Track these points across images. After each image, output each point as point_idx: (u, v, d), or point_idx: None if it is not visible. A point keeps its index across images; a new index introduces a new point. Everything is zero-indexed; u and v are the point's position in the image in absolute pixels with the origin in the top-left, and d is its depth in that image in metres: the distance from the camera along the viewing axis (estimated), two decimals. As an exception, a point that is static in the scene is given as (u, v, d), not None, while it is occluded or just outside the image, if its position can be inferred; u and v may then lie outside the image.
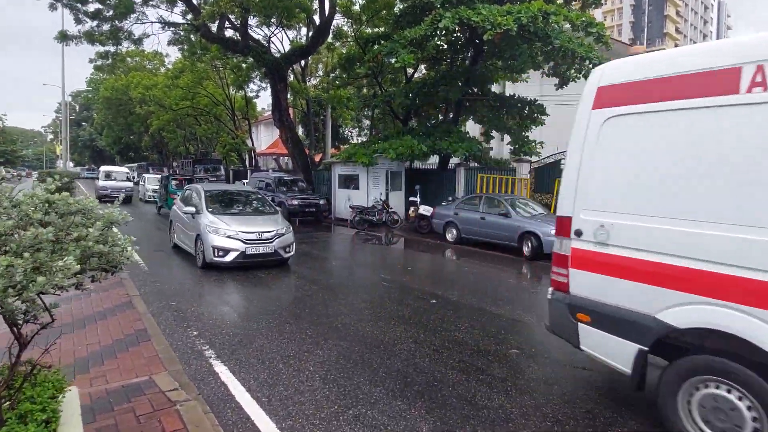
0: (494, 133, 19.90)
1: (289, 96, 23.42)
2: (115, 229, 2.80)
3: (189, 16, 21.06)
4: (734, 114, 2.81)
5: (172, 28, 21.60)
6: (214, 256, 8.37)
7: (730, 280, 2.75)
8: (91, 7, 18.84)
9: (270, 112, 30.27)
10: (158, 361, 4.29)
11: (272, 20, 20.86)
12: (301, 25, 25.21)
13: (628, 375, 3.30)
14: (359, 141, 26.68)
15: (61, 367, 3.25)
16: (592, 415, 3.62)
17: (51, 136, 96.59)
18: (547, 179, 16.00)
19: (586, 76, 15.02)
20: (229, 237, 8.42)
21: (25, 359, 2.63)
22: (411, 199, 16.79)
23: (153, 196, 24.08)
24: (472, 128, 21.17)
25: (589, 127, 3.61)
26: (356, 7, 21.62)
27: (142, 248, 8.36)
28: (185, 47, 24.76)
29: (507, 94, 18.50)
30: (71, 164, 79.47)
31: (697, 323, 2.90)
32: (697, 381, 2.98)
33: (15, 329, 2.42)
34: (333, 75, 25.95)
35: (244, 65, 28.40)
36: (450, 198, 16.19)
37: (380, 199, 16.73)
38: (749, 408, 2.72)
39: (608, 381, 4.22)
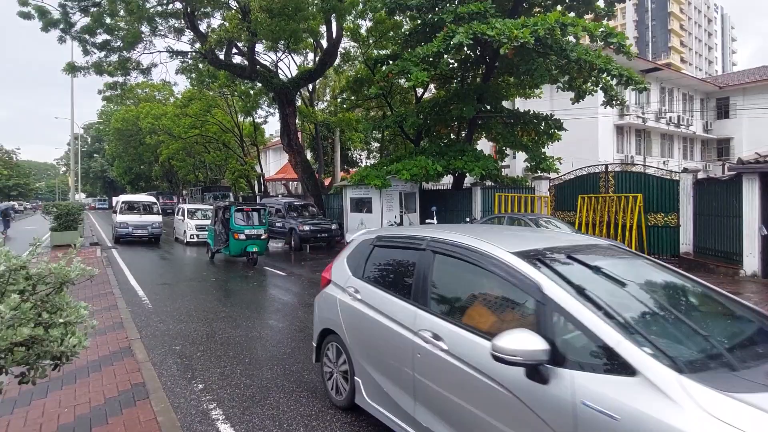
0: (508, 151, 19.37)
1: (297, 121, 23.13)
2: (68, 296, 1.92)
3: (197, 45, 21.03)
4: None
5: (180, 57, 21.53)
6: None
7: None
8: (99, 39, 18.79)
9: (278, 138, 30.09)
10: (156, 427, 3.60)
11: (279, 45, 20.70)
12: (308, 50, 25.17)
13: None
14: (368, 164, 26.22)
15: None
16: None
17: (63, 169, 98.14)
18: (568, 196, 15.30)
19: (603, 90, 14.50)
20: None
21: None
22: (427, 221, 16.13)
23: (197, 236, 18.07)
24: (484, 146, 20.62)
25: None
26: (363, 31, 21.46)
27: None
28: (193, 75, 24.72)
29: (520, 110, 17.97)
30: (83, 195, 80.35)
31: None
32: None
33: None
34: (341, 98, 25.72)
35: (252, 91, 28.33)
36: (468, 219, 15.51)
37: (395, 222, 16.10)
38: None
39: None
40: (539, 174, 16.81)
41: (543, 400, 2.33)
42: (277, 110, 23.07)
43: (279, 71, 23.03)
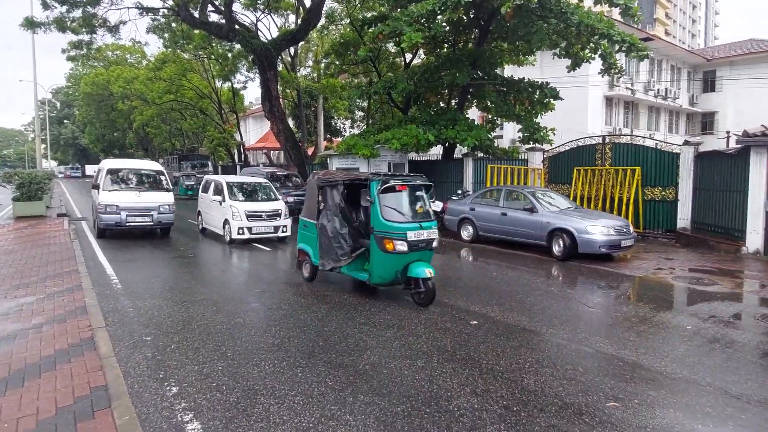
0: (498, 122, 18.62)
1: (279, 87, 21.89)
2: None
3: (169, 0, 19.43)
4: None
5: (150, 14, 19.87)
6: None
7: None
8: (59, -9, 17.12)
9: (259, 105, 28.71)
10: (117, 448, 2.94)
11: (259, 2, 19.26)
12: (289, 12, 23.66)
13: None
14: (352, 133, 25.16)
15: None
16: None
17: (32, 135, 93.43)
18: (563, 169, 14.78)
19: (602, 57, 13.79)
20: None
21: None
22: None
23: (250, 230, 11.22)
24: (472, 116, 19.83)
25: None
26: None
27: None
28: (166, 35, 23.04)
29: (514, 78, 17.17)
30: (54, 163, 76.95)
31: None
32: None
33: None
34: (325, 63, 24.45)
35: (230, 54, 26.76)
36: (460, 191, 14.89)
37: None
38: None
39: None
40: (533, 145, 16.20)
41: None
42: (257, 75, 21.73)
43: (259, 33, 21.60)
